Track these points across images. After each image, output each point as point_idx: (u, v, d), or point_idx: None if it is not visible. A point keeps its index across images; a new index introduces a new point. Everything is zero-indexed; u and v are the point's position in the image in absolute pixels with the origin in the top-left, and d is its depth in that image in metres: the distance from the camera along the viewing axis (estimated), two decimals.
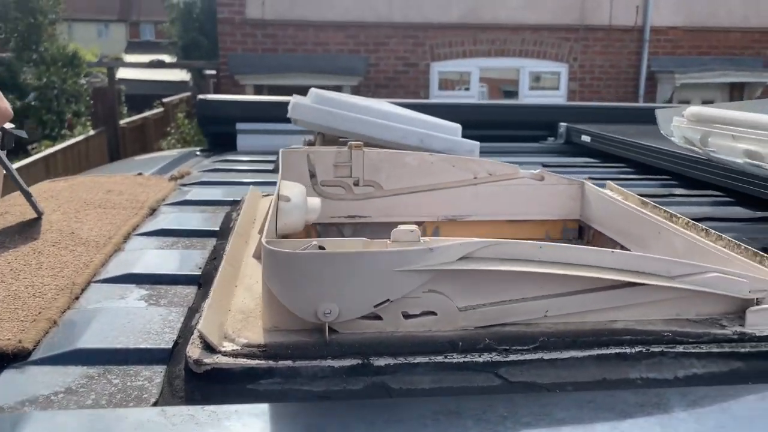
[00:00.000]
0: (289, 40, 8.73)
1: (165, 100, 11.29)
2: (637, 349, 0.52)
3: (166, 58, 16.49)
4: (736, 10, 9.27)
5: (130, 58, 22.11)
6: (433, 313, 0.53)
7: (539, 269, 0.53)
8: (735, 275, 0.55)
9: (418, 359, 0.49)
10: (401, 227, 0.52)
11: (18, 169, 1.04)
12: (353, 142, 0.98)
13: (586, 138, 1.72)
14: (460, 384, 0.48)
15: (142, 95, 13.87)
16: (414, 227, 0.51)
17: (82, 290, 0.64)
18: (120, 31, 35.15)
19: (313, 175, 0.97)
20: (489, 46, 9.31)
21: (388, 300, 0.51)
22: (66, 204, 0.93)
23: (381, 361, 0.49)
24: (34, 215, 0.86)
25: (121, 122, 9.58)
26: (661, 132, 1.21)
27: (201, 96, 1.84)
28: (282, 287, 0.50)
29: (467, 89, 9.83)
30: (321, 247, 0.51)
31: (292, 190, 0.73)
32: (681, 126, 1.10)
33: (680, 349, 0.52)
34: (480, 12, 9.11)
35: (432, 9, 8.87)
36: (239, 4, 8.46)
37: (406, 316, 0.53)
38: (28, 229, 0.80)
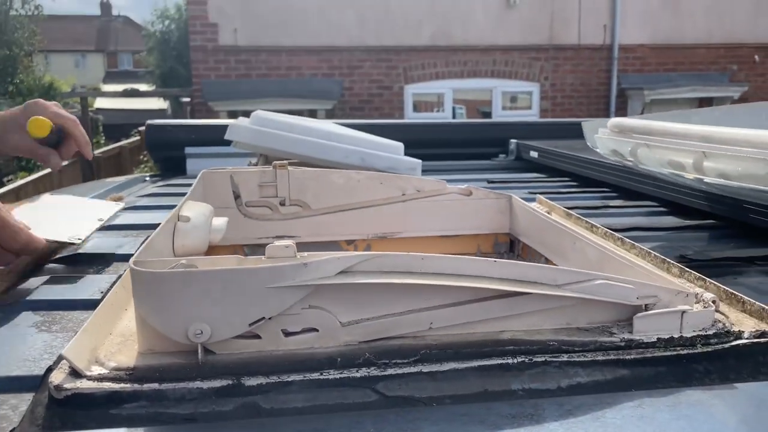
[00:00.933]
0: (262, 65, 8.77)
1: (141, 128, 11.27)
2: (520, 359, 0.51)
3: (144, 87, 16.48)
4: (701, 26, 9.50)
5: (108, 87, 22.08)
6: (315, 330, 0.52)
7: (421, 281, 0.52)
8: (623, 282, 0.55)
9: (293, 377, 0.48)
10: (276, 243, 0.51)
11: None
12: (277, 162, 0.98)
13: (534, 153, 1.74)
14: (335, 401, 0.47)
15: (120, 124, 13.83)
16: (290, 242, 0.50)
17: None
18: (98, 61, 35.11)
19: (237, 196, 0.96)
20: (461, 68, 9.43)
21: (263, 318, 0.50)
22: None
23: (253, 381, 0.47)
24: None
25: (96, 152, 9.52)
26: (588, 144, 1.22)
27: (149, 121, 1.83)
28: (150, 308, 0.49)
29: (440, 110, 9.91)
30: (192, 266, 0.50)
31: (195, 209, 0.72)
32: (604, 137, 1.11)
33: (565, 358, 0.52)
34: (450, 34, 9.24)
35: (404, 31, 8.98)
36: (212, 31, 8.50)
37: (287, 333, 0.52)
38: None
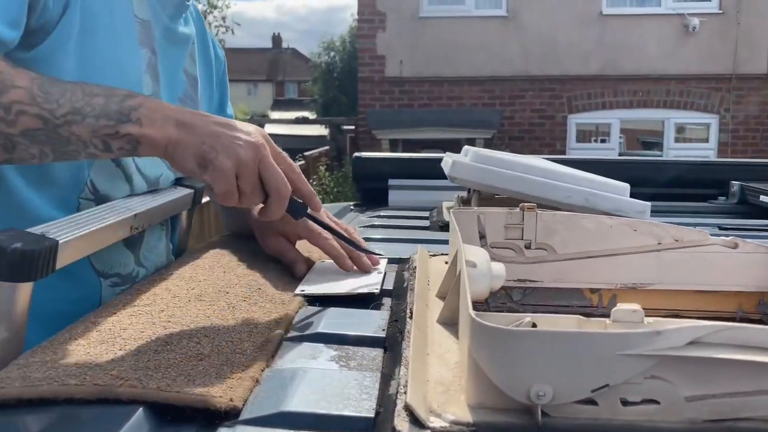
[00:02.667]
0: (424, 95, 8.97)
1: (306, 153, 11.98)
2: None
3: (308, 115, 17.55)
4: None
5: (275, 114, 23.83)
6: (656, 402, 0.48)
7: None
8: None
9: None
10: (622, 306, 0.48)
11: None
12: (526, 204, 0.96)
13: (766, 198, 1.57)
14: None
15: (287, 149, 14.81)
16: (637, 307, 0.47)
17: (276, 348, 0.66)
18: (267, 90, 38.08)
19: (482, 236, 0.96)
20: (630, 98, 8.97)
21: (606, 385, 0.47)
22: (249, 258, 0.98)
23: None
24: (221, 268, 0.91)
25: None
26: None
27: (356, 154, 1.91)
28: (492, 364, 0.48)
29: (604, 141, 9.49)
30: (533, 324, 0.49)
31: (476, 254, 0.71)
32: None
33: None
34: (620, 63, 8.85)
35: (570, 61, 8.75)
36: (379, 63, 8.85)
37: (625, 402, 0.48)
38: (219, 283, 0.84)
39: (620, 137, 9.31)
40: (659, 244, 0.93)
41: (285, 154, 0.80)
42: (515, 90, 8.92)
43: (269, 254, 1.00)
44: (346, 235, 0.92)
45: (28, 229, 0.67)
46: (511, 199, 1.34)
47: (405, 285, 0.88)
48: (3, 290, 0.62)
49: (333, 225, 0.93)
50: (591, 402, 0.48)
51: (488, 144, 8.61)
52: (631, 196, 1.46)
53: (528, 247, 0.96)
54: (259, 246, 1.05)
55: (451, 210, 0.96)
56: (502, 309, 0.96)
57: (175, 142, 0.72)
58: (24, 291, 0.64)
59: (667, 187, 1.83)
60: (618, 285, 0.95)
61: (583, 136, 9.33)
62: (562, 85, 8.89)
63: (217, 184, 0.73)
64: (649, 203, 1.28)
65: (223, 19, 16.73)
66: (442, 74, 8.88)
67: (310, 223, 0.92)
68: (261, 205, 0.79)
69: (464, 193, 1.56)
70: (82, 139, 0.71)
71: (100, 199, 0.91)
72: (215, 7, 16.48)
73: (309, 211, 0.85)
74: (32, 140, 0.69)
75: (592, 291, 0.96)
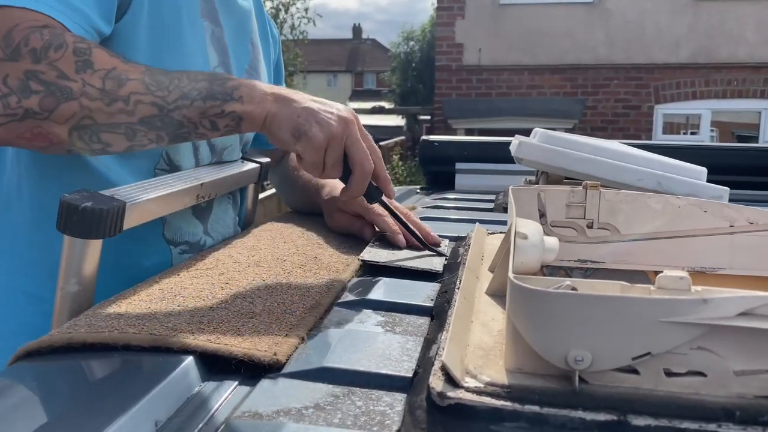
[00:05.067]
0: (503, 84, 8.81)
1: (381, 143, 12.07)
2: None
3: (385, 104, 17.60)
4: None
5: (353, 104, 24.09)
6: (702, 374, 0.46)
7: None
8: None
9: (686, 424, 0.43)
10: (668, 272, 0.46)
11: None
12: (589, 182, 0.93)
13: None
14: None
15: None
16: (684, 274, 0.45)
17: (326, 311, 0.68)
18: (346, 81, 38.54)
19: (542, 215, 0.94)
20: (724, 87, 8.47)
21: (648, 353, 0.45)
22: (309, 231, 1.01)
23: (640, 420, 0.43)
24: (282, 239, 0.94)
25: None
26: None
27: (424, 137, 1.91)
28: (530, 327, 0.47)
29: (694, 133, 9.03)
30: (573, 288, 0.48)
31: (528, 227, 0.70)
32: None
33: None
34: (713, 50, 8.37)
35: (658, 49, 8.35)
36: (457, 51, 8.77)
37: (669, 373, 0.46)
38: (278, 252, 0.87)
39: (712, 130, 8.82)
40: (732, 226, 0.88)
41: (370, 136, 0.85)
42: (599, 79, 8.61)
43: (335, 230, 1.04)
44: (411, 226, 0.94)
45: (101, 191, 0.72)
46: (579, 183, 1.30)
47: (459, 260, 0.88)
48: (75, 246, 0.67)
49: (403, 213, 0.96)
50: (632, 371, 0.47)
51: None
52: (721, 184, 1.39)
53: (590, 226, 0.93)
54: (320, 222, 1.08)
55: (510, 187, 0.94)
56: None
57: (272, 115, 0.77)
58: (94, 248, 0.68)
59: (750, 174, 1.73)
60: (686, 268, 0.91)
61: (671, 127, 8.90)
62: (649, 73, 8.50)
63: (308, 153, 0.79)
64: (727, 188, 1.21)
65: (305, 10, 17.04)
66: (522, 62, 8.69)
67: (365, 202, 0.95)
68: (341, 186, 0.85)
69: (532, 177, 1.53)
70: (192, 121, 0.76)
71: (174, 169, 0.96)
72: None
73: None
74: (150, 126, 0.74)
75: (657, 274, 0.92)
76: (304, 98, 0.80)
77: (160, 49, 0.87)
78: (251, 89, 0.78)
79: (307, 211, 1.18)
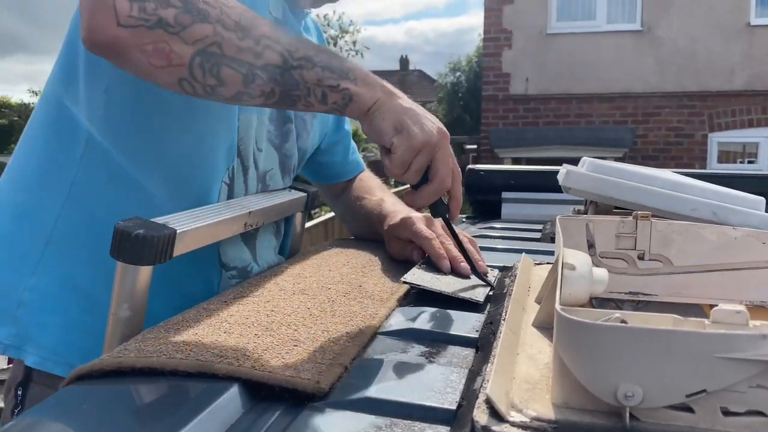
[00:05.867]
0: (550, 113, 8.74)
1: None
2: None
3: None
4: None
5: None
6: (762, 414, 0.44)
7: None
8: None
9: None
10: (724, 306, 0.44)
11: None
12: (640, 212, 0.91)
13: None
14: None
15: None
16: (741, 308, 0.44)
17: (369, 340, 0.67)
18: None
19: (591, 245, 0.92)
20: None
21: (704, 391, 0.43)
22: (354, 259, 1.01)
23: None
24: (328, 267, 0.95)
25: (392, 190, 10.43)
26: None
27: (470, 166, 1.91)
28: (578, 361, 0.46)
29: (751, 162, 8.73)
30: (623, 321, 0.46)
31: (576, 258, 0.69)
32: None
33: None
34: None
35: (711, 76, 8.16)
36: (504, 81, 8.76)
37: (726, 412, 0.44)
38: (323, 280, 0.87)
39: None
40: None
41: (455, 158, 0.88)
42: (649, 107, 8.45)
43: (394, 258, 1.05)
44: (467, 249, 0.95)
45: (153, 219, 0.74)
46: (630, 213, 1.27)
47: (505, 291, 0.87)
48: (127, 272, 0.69)
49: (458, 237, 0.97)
50: (687, 409, 0.45)
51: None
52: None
53: (641, 258, 0.90)
54: (366, 250, 1.08)
55: (557, 216, 0.93)
56: None
57: (380, 104, 0.80)
58: (145, 274, 0.70)
59: None
60: (744, 302, 0.87)
61: (726, 156, 8.63)
62: (703, 101, 8.29)
63: (401, 149, 0.80)
64: None
65: (354, 43, 17.36)
66: (569, 91, 8.62)
67: (417, 226, 0.96)
68: (408, 191, 0.87)
69: (581, 207, 1.50)
70: (307, 85, 0.77)
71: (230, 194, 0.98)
72: (346, 32, 17.18)
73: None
74: (269, 76, 0.74)
75: (713, 308, 0.89)
76: (409, 99, 0.84)
77: None
78: (366, 75, 0.80)
79: (363, 237, 1.23)
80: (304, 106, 0.79)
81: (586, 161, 1.40)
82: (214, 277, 0.98)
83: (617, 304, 0.94)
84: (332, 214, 8.77)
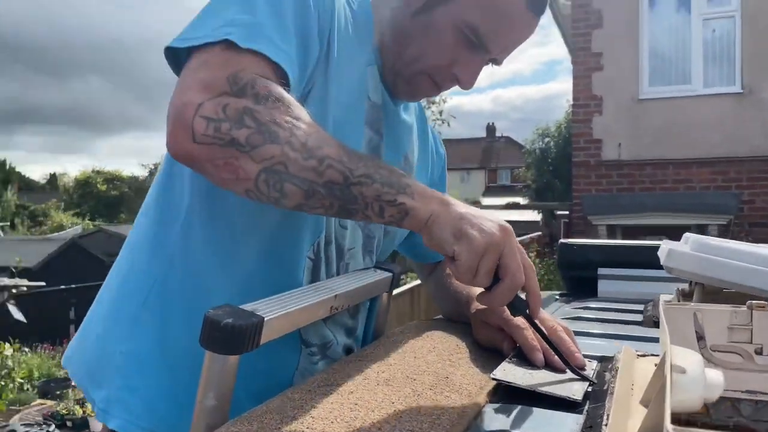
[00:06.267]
0: (646, 179, 8.42)
1: (517, 239, 11.85)
2: None
3: (519, 200, 17.46)
4: None
5: (486, 200, 24.16)
6: None
7: None
8: None
9: None
10: None
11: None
12: (755, 302, 0.83)
13: None
14: None
15: None
16: None
17: None
18: (480, 177, 38.97)
19: (701, 338, 0.84)
20: None
21: None
22: (440, 344, 0.98)
23: None
24: (413, 353, 0.92)
25: None
26: None
27: (562, 240, 1.84)
28: None
29: None
30: None
31: (686, 358, 0.62)
32: None
33: None
34: None
35: None
36: (595, 147, 8.58)
37: None
38: (408, 369, 0.84)
39: None
40: None
41: (524, 251, 0.84)
42: (755, 171, 7.97)
43: (481, 344, 1.01)
44: (556, 342, 0.90)
45: (242, 306, 0.74)
46: (741, 294, 1.17)
47: (605, 387, 0.80)
48: (215, 361, 0.69)
49: (549, 328, 0.92)
50: None
51: (723, 231, 7.73)
52: None
53: (759, 352, 0.82)
54: (453, 334, 1.05)
55: (661, 305, 0.86)
56: (728, 425, 0.82)
57: (436, 215, 0.79)
58: (232, 362, 0.70)
59: None
60: None
61: None
62: None
63: (465, 255, 0.78)
64: None
65: (440, 113, 17.68)
66: (666, 156, 8.29)
67: (507, 312, 0.92)
68: (482, 290, 0.83)
69: (685, 286, 1.40)
70: (366, 200, 0.79)
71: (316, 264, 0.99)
72: (433, 102, 17.55)
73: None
74: (329, 192, 0.78)
75: None
76: (465, 205, 0.82)
77: None
78: (422, 189, 0.81)
79: (453, 318, 1.20)
80: (363, 217, 0.81)
81: (690, 238, 1.31)
82: (294, 354, 0.98)
83: (734, 404, 0.84)
84: (419, 281, 8.72)
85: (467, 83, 1.00)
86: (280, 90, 0.78)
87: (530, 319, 0.87)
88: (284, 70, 0.81)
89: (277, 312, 0.77)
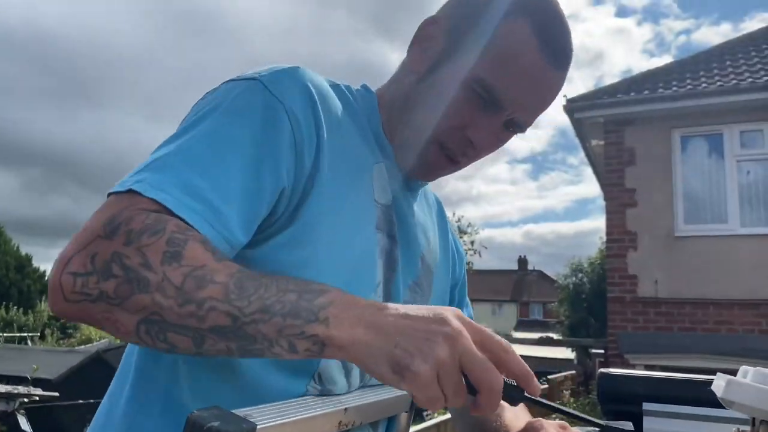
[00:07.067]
0: (685, 318, 8.10)
1: (550, 377, 11.31)
2: None
3: (553, 336, 16.97)
4: None
5: (518, 334, 23.51)
6: None
7: None
8: None
9: None
10: None
11: None
12: None
13: None
14: None
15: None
16: None
17: None
18: (511, 310, 38.34)
19: None
20: None
21: None
22: None
23: None
24: None
25: None
26: None
27: (603, 370, 1.69)
28: None
29: None
30: None
31: None
32: None
33: None
34: None
35: None
36: (630, 283, 8.37)
37: None
38: None
39: None
40: None
41: (489, 332, 0.69)
42: None
43: None
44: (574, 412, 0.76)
45: (235, 411, 0.64)
46: None
47: None
48: None
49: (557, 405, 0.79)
50: None
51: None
52: None
53: None
54: None
55: None
56: None
57: (363, 345, 0.65)
58: None
59: None
60: None
61: None
62: None
63: (418, 392, 0.64)
64: None
65: (472, 243, 17.77)
66: (705, 296, 8.01)
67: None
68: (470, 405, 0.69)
69: (746, 428, 1.23)
70: (267, 338, 0.68)
71: (323, 391, 0.88)
72: (465, 233, 17.71)
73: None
74: (220, 336, 0.68)
75: None
76: (398, 318, 0.66)
77: (329, 263, 0.84)
78: (343, 309, 0.67)
79: None
80: (274, 356, 0.70)
81: (750, 371, 1.17)
82: None
83: None
84: (448, 415, 8.25)
85: (481, 143, 0.90)
86: (163, 220, 0.69)
87: (534, 401, 0.73)
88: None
89: (274, 420, 0.66)
